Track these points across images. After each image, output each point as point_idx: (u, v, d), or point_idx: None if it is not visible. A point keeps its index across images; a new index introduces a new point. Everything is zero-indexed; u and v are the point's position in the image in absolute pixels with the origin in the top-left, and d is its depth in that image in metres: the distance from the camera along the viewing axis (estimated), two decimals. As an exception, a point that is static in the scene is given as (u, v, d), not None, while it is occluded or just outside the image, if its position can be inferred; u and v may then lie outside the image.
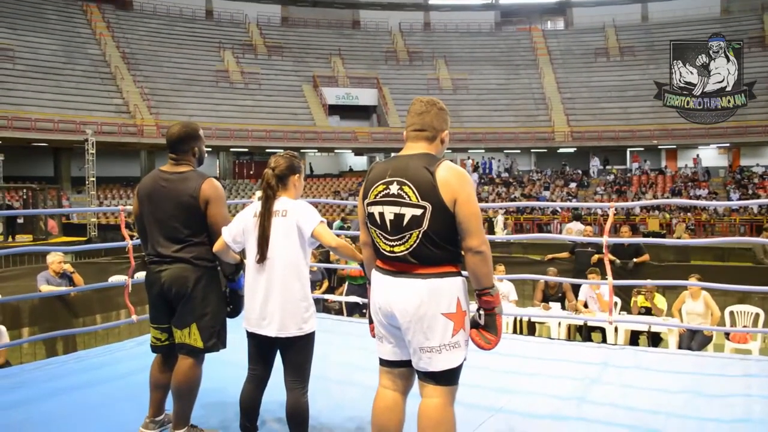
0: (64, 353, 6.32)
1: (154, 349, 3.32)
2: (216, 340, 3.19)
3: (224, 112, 32.54)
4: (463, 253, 2.54)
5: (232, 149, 34.18)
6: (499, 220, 20.48)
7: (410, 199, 2.49)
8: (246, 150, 35.06)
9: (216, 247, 3.14)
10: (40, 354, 6.93)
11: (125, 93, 31.18)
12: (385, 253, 2.57)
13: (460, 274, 2.57)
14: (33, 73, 29.28)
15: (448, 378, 2.55)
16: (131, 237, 4.99)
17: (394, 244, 2.54)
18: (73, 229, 22.11)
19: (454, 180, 2.48)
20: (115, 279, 8.35)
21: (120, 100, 31.05)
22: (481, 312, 2.58)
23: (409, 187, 2.50)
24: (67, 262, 7.85)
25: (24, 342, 6.60)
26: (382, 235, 2.58)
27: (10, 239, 18.18)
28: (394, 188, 2.53)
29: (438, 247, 2.49)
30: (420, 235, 2.48)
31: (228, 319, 3.33)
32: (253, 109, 33.65)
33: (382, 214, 2.57)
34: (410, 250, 2.50)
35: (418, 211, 2.48)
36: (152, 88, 32.11)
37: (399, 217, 2.51)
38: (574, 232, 12.60)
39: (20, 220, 18.92)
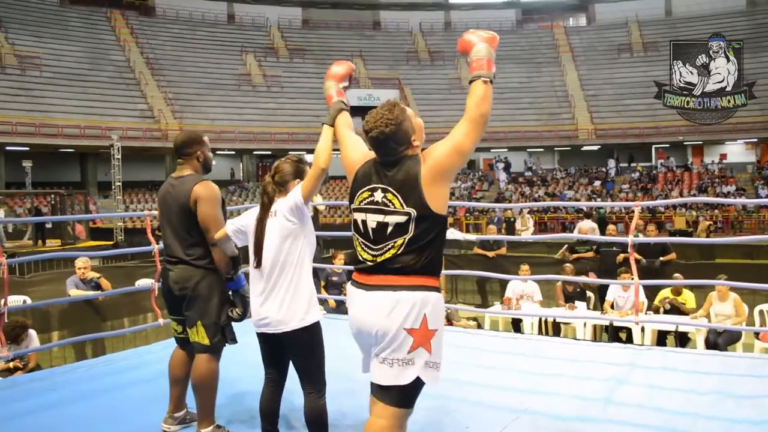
0: (93, 356, 6.42)
1: (176, 340, 3.55)
2: (221, 336, 3.33)
3: (247, 115, 32.76)
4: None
5: (255, 152, 34.39)
6: (528, 224, 18.74)
7: (394, 207, 2.41)
8: (269, 153, 35.27)
9: (218, 234, 3.23)
10: (70, 357, 7.03)
11: (149, 98, 31.55)
12: (367, 263, 2.47)
13: (437, 290, 2.45)
14: (59, 80, 29.73)
15: (399, 398, 2.41)
16: (157, 241, 5.07)
17: (377, 253, 2.44)
18: (100, 233, 22.45)
19: (433, 159, 2.41)
20: (142, 283, 8.43)
21: (144, 105, 31.42)
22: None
23: (393, 194, 2.42)
24: (88, 268, 7.88)
25: (54, 346, 6.71)
26: (364, 243, 2.49)
27: (39, 244, 18.53)
28: (378, 195, 2.46)
29: (422, 252, 2.40)
30: (405, 243, 2.39)
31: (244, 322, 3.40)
32: (275, 112, 33.82)
33: (365, 222, 2.48)
34: (392, 258, 2.41)
35: (403, 219, 2.40)
36: (176, 92, 32.45)
37: (382, 225, 2.43)
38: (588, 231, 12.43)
39: (49, 225, 19.28)
